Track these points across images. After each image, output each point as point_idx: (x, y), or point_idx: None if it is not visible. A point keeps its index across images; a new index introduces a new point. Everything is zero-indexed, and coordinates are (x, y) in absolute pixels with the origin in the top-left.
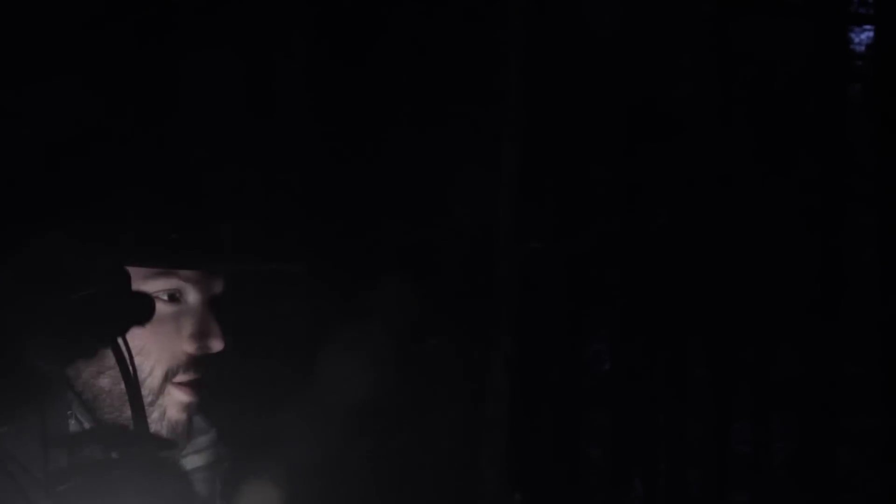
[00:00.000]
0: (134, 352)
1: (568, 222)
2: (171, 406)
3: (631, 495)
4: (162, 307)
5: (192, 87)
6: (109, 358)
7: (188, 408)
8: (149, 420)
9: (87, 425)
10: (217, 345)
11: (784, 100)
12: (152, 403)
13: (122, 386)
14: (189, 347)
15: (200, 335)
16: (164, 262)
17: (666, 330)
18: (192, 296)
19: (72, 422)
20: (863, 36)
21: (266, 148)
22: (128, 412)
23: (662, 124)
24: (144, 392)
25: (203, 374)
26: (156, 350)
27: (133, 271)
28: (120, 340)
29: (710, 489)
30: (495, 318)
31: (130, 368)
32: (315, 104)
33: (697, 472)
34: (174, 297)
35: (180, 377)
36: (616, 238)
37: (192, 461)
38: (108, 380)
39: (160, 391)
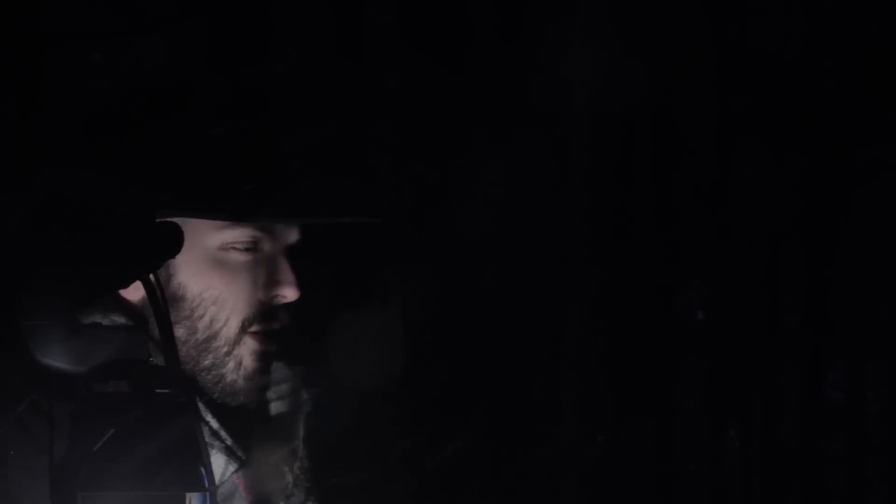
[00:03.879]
0: (209, 302)
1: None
2: (247, 355)
3: (726, 446)
4: (237, 257)
5: (280, 40)
6: (183, 308)
7: (265, 357)
8: (225, 369)
9: None
10: (292, 294)
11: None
12: (228, 353)
13: (198, 336)
14: (264, 297)
15: (276, 284)
16: (238, 216)
17: (760, 278)
18: (268, 245)
19: None
20: None
21: (352, 101)
22: (205, 361)
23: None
24: (220, 342)
25: (279, 323)
26: (231, 299)
27: (209, 221)
28: (151, 277)
29: (805, 438)
30: (575, 263)
31: (162, 305)
32: (404, 59)
33: (792, 421)
34: (249, 247)
35: (256, 326)
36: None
37: (275, 408)
38: (182, 330)
39: (236, 341)
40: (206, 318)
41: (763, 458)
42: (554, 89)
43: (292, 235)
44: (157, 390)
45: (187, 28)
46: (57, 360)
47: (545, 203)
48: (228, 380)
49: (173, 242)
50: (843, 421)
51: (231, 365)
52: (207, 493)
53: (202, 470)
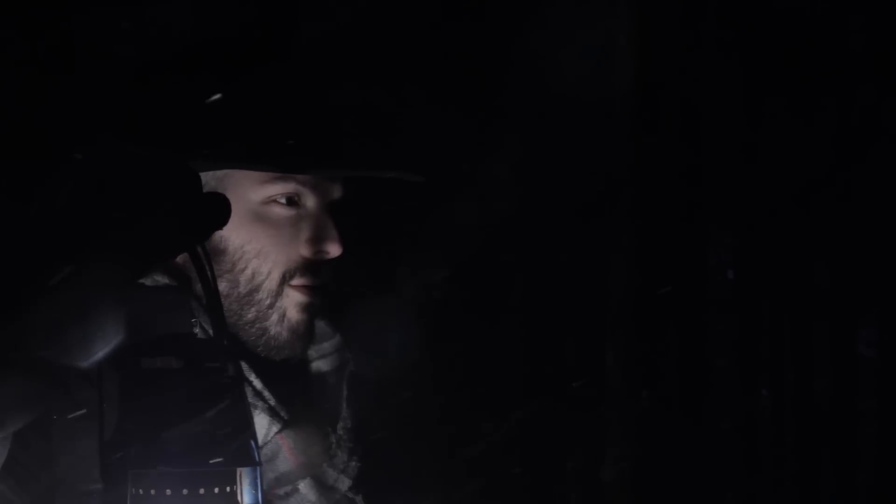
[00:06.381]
0: (251, 255)
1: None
2: (290, 307)
3: (758, 405)
4: (280, 211)
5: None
6: (224, 262)
7: (309, 308)
8: (269, 322)
9: (210, 332)
10: (335, 250)
11: None
12: (271, 306)
13: (241, 289)
14: (307, 252)
15: (319, 240)
16: (281, 168)
17: (790, 236)
18: (311, 200)
19: (196, 330)
20: None
21: (388, 62)
22: (248, 315)
23: None
24: (263, 294)
25: (321, 279)
26: (274, 253)
27: (252, 176)
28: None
29: (837, 396)
30: (617, 222)
31: (210, 276)
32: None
33: (824, 379)
34: (292, 202)
35: (298, 280)
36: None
37: (317, 367)
38: (224, 284)
39: (278, 293)
40: (248, 272)
41: (795, 416)
42: (583, 49)
43: (335, 192)
44: (206, 364)
45: None
46: (109, 329)
47: (575, 160)
48: (273, 332)
49: (220, 213)
50: (875, 378)
51: (275, 317)
52: (258, 467)
53: (253, 444)
